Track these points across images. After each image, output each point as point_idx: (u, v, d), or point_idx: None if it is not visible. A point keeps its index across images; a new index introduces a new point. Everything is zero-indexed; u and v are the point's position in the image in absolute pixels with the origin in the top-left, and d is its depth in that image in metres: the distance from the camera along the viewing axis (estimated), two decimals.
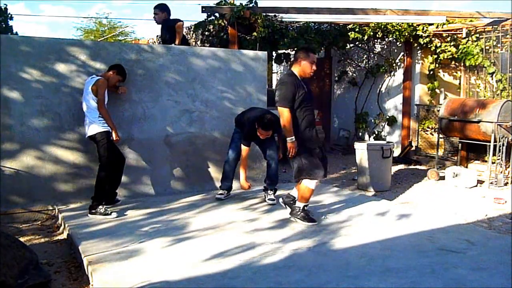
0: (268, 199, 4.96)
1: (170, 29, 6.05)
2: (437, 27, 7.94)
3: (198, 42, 8.16)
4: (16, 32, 8.37)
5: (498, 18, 7.40)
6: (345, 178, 7.22)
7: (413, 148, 8.62)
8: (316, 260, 3.25)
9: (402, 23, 8.10)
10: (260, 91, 5.96)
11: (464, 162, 7.41)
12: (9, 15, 8.09)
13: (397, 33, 8.20)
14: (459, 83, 8.54)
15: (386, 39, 9.00)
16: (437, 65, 8.58)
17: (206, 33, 7.77)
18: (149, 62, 5.27)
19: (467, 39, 7.70)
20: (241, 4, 7.15)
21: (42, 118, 4.74)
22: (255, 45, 7.13)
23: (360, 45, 9.54)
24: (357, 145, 6.46)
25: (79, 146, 4.90)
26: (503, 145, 6.37)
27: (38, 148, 4.74)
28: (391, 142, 6.78)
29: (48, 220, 4.72)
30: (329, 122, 10.58)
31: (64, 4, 47.69)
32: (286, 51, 8.63)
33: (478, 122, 6.48)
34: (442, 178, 6.75)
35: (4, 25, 7.93)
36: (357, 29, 8.29)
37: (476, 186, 6.40)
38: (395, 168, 7.59)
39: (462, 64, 8.11)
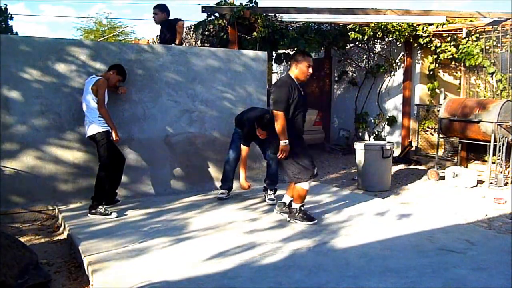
0: (268, 199, 4.96)
1: (170, 28, 6.05)
2: (437, 27, 7.94)
3: (198, 42, 8.16)
4: (16, 32, 8.36)
5: (498, 18, 7.40)
6: (345, 178, 7.22)
7: (413, 148, 8.62)
8: (316, 260, 3.25)
9: (402, 23, 8.10)
10: (260, 91, 5.96)
11: (464, 162, 7.41)
12: (9, 15, 8.09)
13: (397, 33, 8.20)
14: (459, 83, 8.54)
15: (386, 39, 9.00)
16: (437, 65, 8.58)
17: (206, 33, 7.77)
18: (149, 62, 5.27)
19: (467, 39, 7.70)
20: (241, 4, 7.15)
21: (42, 118, 4.74)
22: (255, 45, 7.12)
23: (360, 45, 9.54)
24: (357, 145, 6.46)
25: (79, 146, 4.91)
26: (503, 145, 6.37)
27: (38, 148, 4.74)
28: (391, 142, 6.78)
29: (48, 220, 4.72)
30: (329, 122, 10.57)
31: (64, 4, 47.70)
32: (286, 51, 8.62)
33: (478, 122, 6.48)
34: (442, 178, 6.75)
35: (4, 25, 7.93)
36: (357, 29, 8.29)
37: (476, 186, 6.40)
38: (395, 168, 7.58)
39: (462, 64, 8.10)
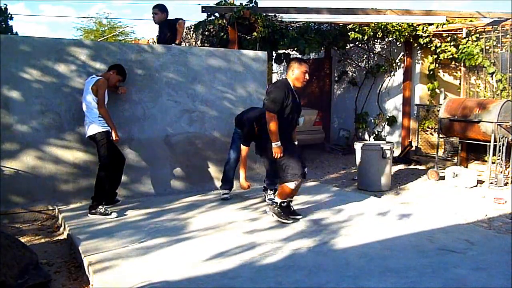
0: (268, 199, 4.95)
1: (171, 27, 6.06)
2: (437, 27, 7.94)
3: (198, 42, 8.16)
4: (16, 32, 8.35)
5: (498, 18, 7.40)
6: (345, 178, 7.22)
7: (413, 148, 8.62)
8: (316, 260, 3.25)
9: (402, 23, 8.10)
10: (260, 91, 5.96)
11: (464, 162, 7.41)
12: (9, 15, 8.08)
13: (397, 33, 8.20)
14: (459, 83, 8.54)
15: (386, 39, 9.00)
16: (437, 65, 8.57)
17: (206, 33, 7.77)
18: (149, 62, 5.27)
19: (467, 39, 7.70)
20: (241, 4, 7.15)
21: (42, 118, 4.74)
22: (255, 45, 7.12)
23: (360, 45, 9.54)
24: (357, 145, 6.46)
25: (79, 146, 4.91)
26: (503, 145, 6.37)
27: (38, 148, 4.74)
28: (391, 142, 6.78)
29: (48, 220, 4.72)
30: (329, 122, 10.56)
31: (64, 4, 47.73)
32: (286, 51, 8.62)
33: (478, 122, 6.48)
34: (442, 178, 6.75)
35: (4, 25, 7.92)
36: (357, 29, 8.29)
37: (476, 186, 6.40)
38: (395, 168, 7.59)
39: (462, 64, 8.10)
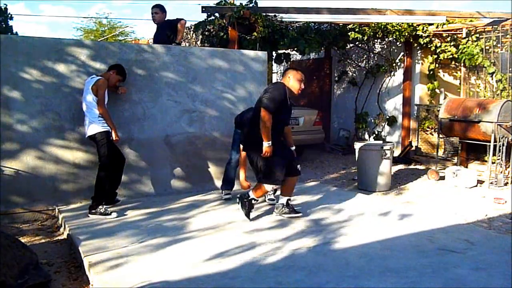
0: (268, 199, 4.96)
1: (171, 28, 6.08)
2: (437, 27, 7.94)
3: (198, 42, 8.16)
4: (16, 32, 8.35)
5: (498, 18, 7.40)
6: (345, 178, 7.22)
7: (413, 148, 8.61)
8: (316, 260, 3.25)
9: (402, 23, 8.10)
10: (260, 91, 5.94)
11: (464, 162, 7.41)
12: (9, 15, 8.07)
13: (397, 33, 8.19)
14: (459, 83, 8.54)
15: (386, 39, 9.00)
16: (437, 65, 8.57)
17: (206, 33, 7.77)
18: (149, 62, 5.27)
19: (467, 39, 7.69)
20: (241, 4, 7.15)
21: (42, 118, 4.74)
22: (255, 45, 7.12)
23: (360, 45, 9.53)
24: (357, 145, 6.45)
25: (79, 146, 4.91)
26: (503, 145, 6.37)
27: (38, 148, 4.74)
28: (391, 142, 6.77)
29: (48, 220, 4.72)
30: (329, 122, 10.56)
31: (64, 4, 47.74)
32: (286, 51, 8.62)
33: (478, 122, 6.48)
34: (442, 178, 6.75)
35: (4, 25, 7.91)
36: (357, 29, 8.29)
37: (476, 186, 6.40)
38: (395, 168, 7.58)
39: (462, 64, 8.10)
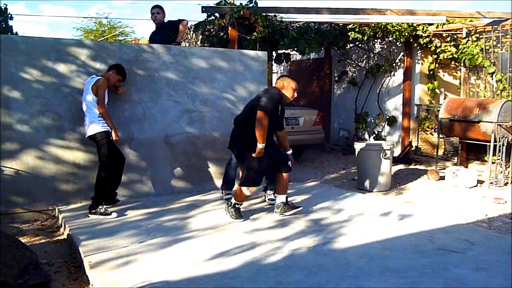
0: (268, 199, 4.96)
1: (172, 28, 6.10)
2: (437, 27, 7.94)
3: (198, 42, 8.16)
4: (16, 32, 8.35)
5: (498, 18, 7.40)
6: (345, 178, 7.22)
7: (413, 148, 8.61)
8: (316, 260, 3.25)
9: (402, 23, 8.10)
10: (260, 91, 5.95)
11: (464, 162, 7.41)
12: (9, 15, 8.07)
13: (397, 33, 8.20)
14: (459, 83, 8.54)
15: (386, 39, 9.00)
16: (437, 65, 8.57)
17: (206, 33, 7.77)
18: (149, 62, 5.27)
19: (467, 39, 7.70)
20: (241, 4, 7.15)
21: (42, 118, 4.74)
22: (255, 45, 7.13)
23: (360, 45, 9.54)
24: (357, 145, 6.45)
25: (79, 146, 4.91)
26: (503, 145, 6.37)
27: (38, 148, 4.74)
28: (391, 142, 6.77)
29: (48, 220, 4.72)
30: (329, 122, 10.56)
31: (64, 4, 47.74)
32: (286, 51, 8.62)
33: (478, 122, 6.48)
34: (442, 178, 6.75)
35: (4, 25, 7.92)
36: (357, 29, 8.29)
37: (476, 186, 6.40)
38: (395, 168, 7.58)
39: (462, 64, 8.10)
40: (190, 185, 5.57)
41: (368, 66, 9.68)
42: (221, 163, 5.52)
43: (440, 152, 7.74)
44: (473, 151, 7.48)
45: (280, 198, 4.43)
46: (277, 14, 7.32)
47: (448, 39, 8.11)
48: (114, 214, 4.40)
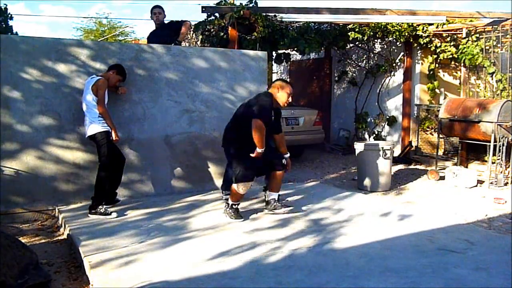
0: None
1: (176, 29, 6.11)
2: (437, 27, 7.94)
3: (198, 42, 8.16)
4: (16, 32, 8.35)
5: (498, 18, 7.40)
6: (345, 178, 7.22)
7: (413, 148, 8.61)
8: (316, 260, 3.25)
9: (402, 23, 8.10)
10: (260, 91, 5.95)
11: (464, 162, 7.40)
12: (9, 15, 8.08)
13: (397, 33, 8.20)
14: (459, 83, 8.54)
15: (386, 39, 9.00)
16: (437, 65, 8.57)
17: (206, 33, 7.77)
18: (149, 62, 5.27)
19: (467, 39, 7.70)
20: (241, 4, 7.15)
21: (42, 118, 4.74)
22: (255, 45, 7.13)
23: (360, 45, 9.54)
24: (357, 145, 6.46)
25: (79, 146, 4.91)
26: (503, 145, 6.37)
27: (38, 148, 4.74)
28: (391, 142, 6.77)
29: (48, 220, 4.72)
30: (329, 122, 10.56)
31: (64, 4, 47.74)
32: (286, 51, 8.63)
33: (478, 122, 6.48)
34: (442, 178, 6.75)
35: (4, 25, 7.92)
36: (357, 29, 8.29)
37: (476, 186, 6.40)
38: (395, 168, 7.58)
39: (462, 64, 8.10)
40: (190, 185, 5.57)
41: (368, 66, 9.68)
42: (221, 163, 5.51)
43: (440, 152, 7.74)
44: (473, 151, 7.48)
45: (272, 195, 4.46)
46: (277, 14, 7.32)
47: (448, 39, 8.11)
48: (114, 214, 4.40)
